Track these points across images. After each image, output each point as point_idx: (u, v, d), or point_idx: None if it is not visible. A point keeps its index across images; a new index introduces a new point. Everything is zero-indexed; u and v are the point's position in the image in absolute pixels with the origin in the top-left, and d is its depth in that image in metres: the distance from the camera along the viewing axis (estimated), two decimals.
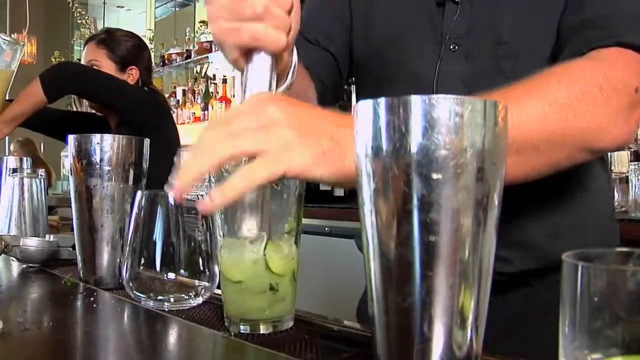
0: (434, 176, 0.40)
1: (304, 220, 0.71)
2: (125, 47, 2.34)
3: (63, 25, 6.27)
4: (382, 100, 0.41)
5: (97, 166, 0.88)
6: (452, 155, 0.40)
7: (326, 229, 2.34)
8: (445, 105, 0.40)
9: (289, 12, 0.68)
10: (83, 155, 0.89)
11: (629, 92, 0.75)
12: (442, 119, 0.40)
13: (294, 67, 0.78)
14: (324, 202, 2.54)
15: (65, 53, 6.16)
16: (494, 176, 0.42)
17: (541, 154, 0.72)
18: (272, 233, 0.65)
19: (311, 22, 1.09)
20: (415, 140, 0.40)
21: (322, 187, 2.70)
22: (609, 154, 2.42)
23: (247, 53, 0.69)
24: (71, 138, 0.91)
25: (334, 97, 1.13)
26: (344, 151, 0.58)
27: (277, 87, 0.76)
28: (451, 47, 0.95)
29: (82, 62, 2.34)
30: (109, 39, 2.33)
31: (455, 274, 0.41)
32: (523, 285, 0.95)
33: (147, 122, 2.08)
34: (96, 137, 0.88)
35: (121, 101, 2.08)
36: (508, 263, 0.92)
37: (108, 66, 2.27)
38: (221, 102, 4.57)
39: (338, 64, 1.09)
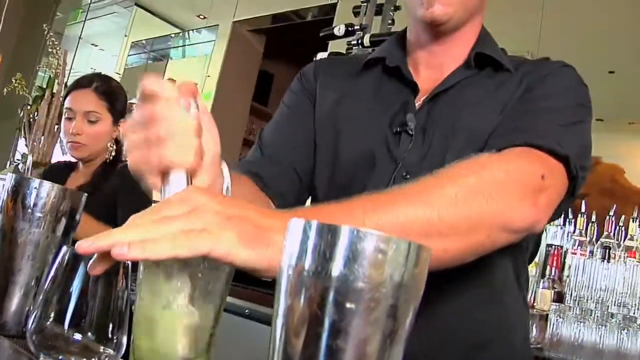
0: (348, 305, 0.42)
1: None
2: (121, 100, 2.28)
3: (32, 49, 6.23)
4: (313, 223, 0.43)
5: (29, 210, 0.87)
6: (368, 288, 0.42)
7: (246, 310, 2.30)
8: (371, 240, 0.42)
9: (197, 135, 0.71)
10: (18, 195, 0.88)
11: (536, 178, 0.83)
12: (366, 252, 0.42)
13: (226, 189, 0.82)
14: (249, 282, 2.50)
15: (27, 77, 6.09)
16: (405, 314, 0.44)
17: (462, 236, 0.76)
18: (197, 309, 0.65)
19: (275, 142, 1.18)
20: (336, 268, 0.42)
21: None
22: (530, 288, 2.50)
23: (164, 177, 0.72)
24: (10, 176, 0.90)
25: None
26: (268, 238, 0.60)
27: None
28: (403, 174, 1.02)
29: (72, 107, 2.21)
30: (110, 91, 2.25)
31: None
32: None
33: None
34: (35, 182, 0.88)
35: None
36: None
37: (106, 119, 2.20)
38: None
39: (302, 182, 1.16)
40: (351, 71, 1.21)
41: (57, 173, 2.31)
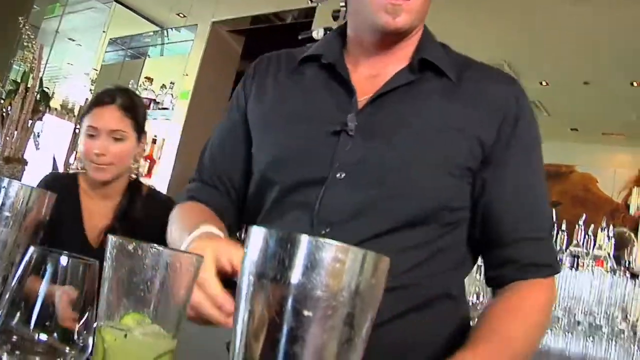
0: (305, 313, 0.43)
1: None
2: (143, 115, 2.10)
3: (7, 42, 6.15)
4: (274, 232, 0.44)
5: None
6: (326, 297, 0.43)
7: None
8: (329, 250, 0.43)
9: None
10: None
11: (550, 309, 1.10)
12: (324, 261, 0.43)
13: None
14: None
15: (1, 71, 6.01)
16: (362, 323, 0.45)
17: None
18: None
19: (212, 167, 1.24)
20: (295, 276, 0.43)
21: None
22: None
23: None
24: None
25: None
26: None
27: None
28: (338, 175, 1.02)
29: (96, 125, 1.98)
30: (133, 106, 2.05)
31: None
32: None
33: None
34: (4, 181, 0.87)
35: None
36: None
37: (131, 137, 2.02)
38: (145, 160, 4.55)
39: (238, 205, 1.22)
40: (288, 68, 1.20)
41: (64, 189, 2.03)
